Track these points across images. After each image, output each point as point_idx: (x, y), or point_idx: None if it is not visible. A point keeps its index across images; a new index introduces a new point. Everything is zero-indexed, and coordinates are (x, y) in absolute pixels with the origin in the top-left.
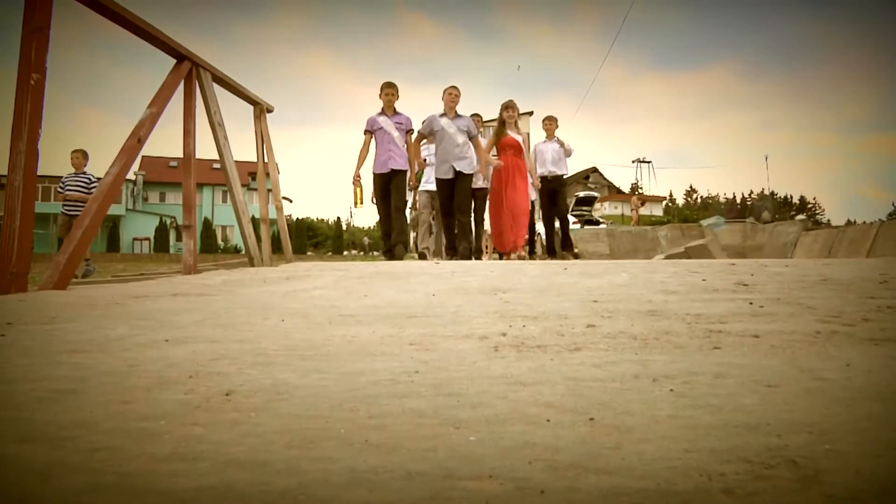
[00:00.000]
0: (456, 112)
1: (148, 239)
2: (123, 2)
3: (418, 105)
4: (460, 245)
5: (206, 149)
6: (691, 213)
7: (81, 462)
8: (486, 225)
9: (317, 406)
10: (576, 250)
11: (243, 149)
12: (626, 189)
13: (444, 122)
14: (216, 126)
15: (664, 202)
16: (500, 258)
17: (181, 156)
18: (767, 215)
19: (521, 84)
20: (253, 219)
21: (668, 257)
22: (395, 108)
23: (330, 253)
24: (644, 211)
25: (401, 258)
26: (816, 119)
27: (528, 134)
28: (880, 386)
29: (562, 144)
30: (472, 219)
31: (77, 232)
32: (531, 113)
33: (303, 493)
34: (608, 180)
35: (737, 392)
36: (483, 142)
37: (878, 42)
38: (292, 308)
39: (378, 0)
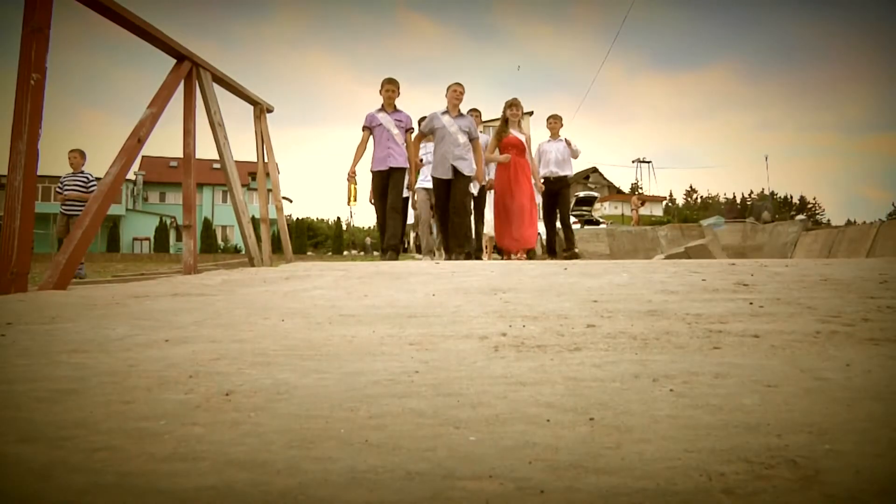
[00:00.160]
0: (459, 111)
1: (148, 239)
2: (123, 2)
3: (418, 105)
4: (455, 247)
5: (206, 149)
6: (691, 213)
7: (81, 462)
8: (487, 225)
9: (317, 406)
10: (576, 250)
11: (243, 149)
12: (626, 189)
13: (446, 120)
14: (216, 126)
15: (664, 202)
16: (501, 258)
17: (181, 156)
18: (767, 215)
19: (521, 84)
20: (253, 219)
21: (668, 257)
22: (395, 105)
23: (330, 253)
24: (644, 211)
25: (394, 259)
26: (816, 119)
27: (530, 136)
28: (880, 386)
29: (568, 144)
30: (472, 219)
31: (77, 232)
32: (531, 113)
33: (303, 493)
34: (608, 180)
35: (737, 392)
36: (484, 141)
37: (878, 42)
38: (292, 308)
39: (378, 0)
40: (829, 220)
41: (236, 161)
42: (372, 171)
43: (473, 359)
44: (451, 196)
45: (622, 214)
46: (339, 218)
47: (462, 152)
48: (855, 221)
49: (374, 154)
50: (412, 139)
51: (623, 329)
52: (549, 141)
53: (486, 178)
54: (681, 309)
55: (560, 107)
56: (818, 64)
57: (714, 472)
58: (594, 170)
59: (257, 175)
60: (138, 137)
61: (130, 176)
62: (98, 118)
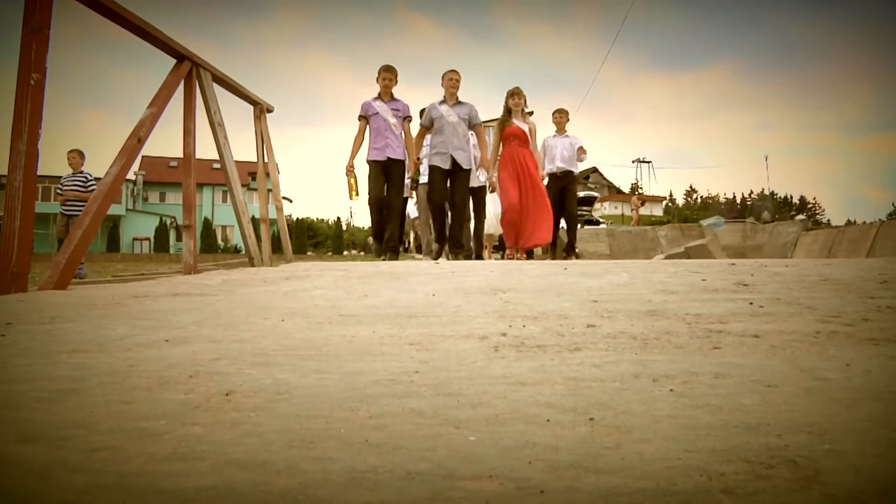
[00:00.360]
0: (457, 98)
1: (148, 239)
2: (123, 2)
3: (418, 106)
4: (454, 241)
5: (206, 149)
6: (691, 213)
7: (81, 462)
8: (487, 224)
9: (317, 406)
10: (577, 250)
11: (243, 149)
12: (626, 189)
13: (444, 109)
14: (216, 126)
15: (664, 202)
16: (502, 257)
17: (181, 156)
18: (767, 215)
19: (520, 84)
20: (253, 219)
21: (668, 257)
22: (392, 94)
23: (330, 253)
24: (644, 211)
25: (394, 259)
26: (816, 119)
27: (535, 128)
28: (880, 386)
29: (582, 152)
30: (472, 217)
31: (77, 232)
32: (531, 113)
33: (303, 493)
34: (608, 180)
35: (737, 392)
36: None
37: (878, 42)
38: (292, 308)
39: (378, 0)
40: (829, 220)
41: (236, 161)
42: (369, 161)
43: (473, 359)
44: (452, 190)
45: (622, 214)
46: (339, 218)
47: (461, 143)
48: (855, 221)
49: (371, 144)
50: (410, 128)
51: (623, 329)
52: (555, 136)
53: (487, 177)
54: (681, 309)
55: (560, 106)
56: (818, 64)
57: (714, 472)
58: (594, 170)
59: (257, 175)
60: (138, 137)
61: (130, 176)
62: (98, 118)
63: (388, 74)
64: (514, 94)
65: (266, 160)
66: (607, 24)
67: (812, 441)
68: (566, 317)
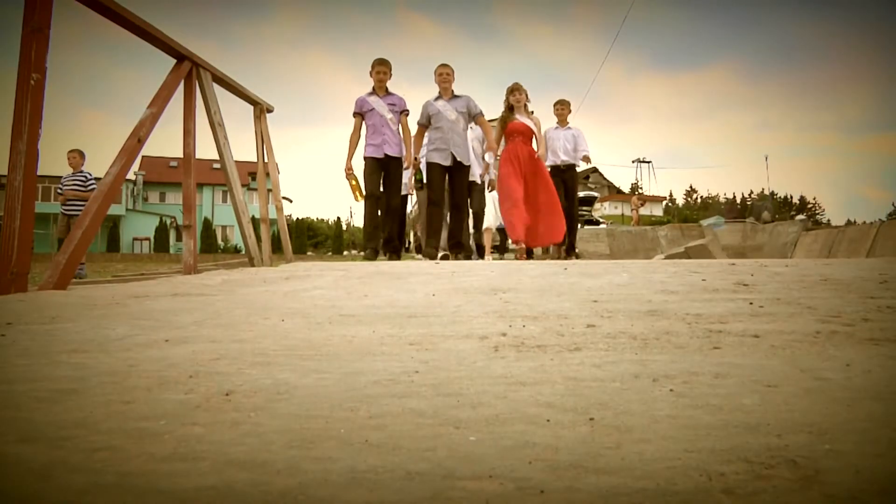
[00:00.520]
0: (452, 92)
1: (148, 239)
2: (123, 2)
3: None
4: (454, 241)
5: (206, 149)
6: (691, 213)
7: (81, 462)
8: (488, 221)
9: (317, 406)
10: (577, 251)
11: (243, 149)
12: (626, 189)
13: (441, 105)
14: (216, 126)
15: (664, 202)
16: (501, 257)
17: (181, 156)
18: (767, 215)
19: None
20: (253, 219)
21: (668, 257)
22: (387, 88)
23: (330, 253)
24: (644, 211)
25: (396, 257)
26: (816, 119)
27: (540, 123)
28: (880, 386)
29: (586, 160)
30: (471, 214)
31: (77, 232)
32: (531, 112)
33: (303, 493)
34: (608, 180)
35: (737, 392)
36: (474, 133)
37: (878, 42)
38: (292, 308)
39: (378, 0)
40: (829, 220)
41: (236, 161)
42: (366, 157)
43: (473, 359)
44: (452, 188)
45: (622, 214)
46: (339, 218)
47: (461, 139)
48: (855, 221)
49: (368, 141)
50: (407, 122)
51: (623, 329)
52: (556, 128)
53: (489, 176)
54: (681, 309)
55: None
56: (818, 64)
57: (714, 472)
58: (594, 170)
59: (257, 175)
60: (138, 137)
61: (130, 176)
62: (98, 118)
63: (381, 68)
64: (515, 90)
65: (266, 160)
66: (607, 24)
67: (812, 441)
68: (566, 317)
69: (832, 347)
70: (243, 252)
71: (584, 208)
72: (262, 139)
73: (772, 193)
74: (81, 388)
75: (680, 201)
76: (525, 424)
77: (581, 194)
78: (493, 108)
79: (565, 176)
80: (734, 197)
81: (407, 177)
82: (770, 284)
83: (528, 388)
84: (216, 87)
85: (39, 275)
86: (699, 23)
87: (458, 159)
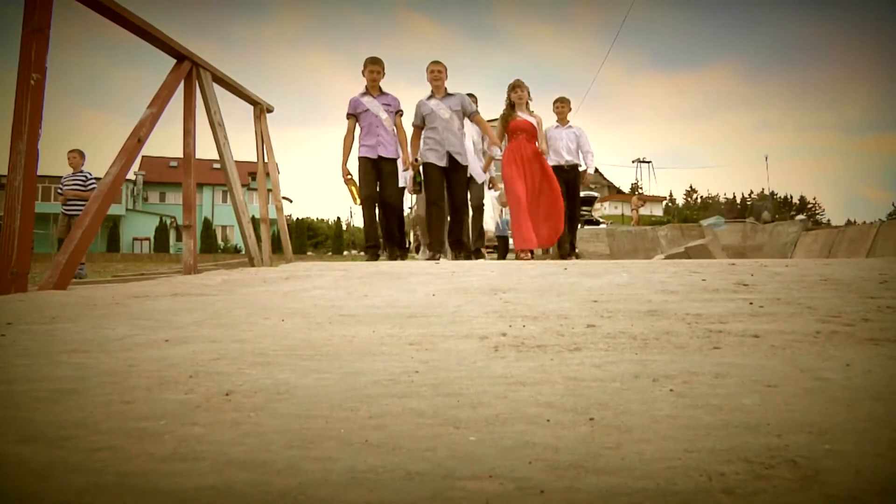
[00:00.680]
0: (445, 90)
1: (148, 239)
2: (123, 2)
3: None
4: (455, 243)
5: (206, 149)
6: (691, 213)
7: (81, 462)
8: (487, 222)
9: (317, 406)
10: (577, 251)
11: (243, 149)
12: (626, 189)
13: (434, 104)
14: (216, 126)
15: (664, 202)
16: (500, 258)
17: (181, 156)
18: (767, 215)
19: None
20: (253, 219)
21: (668, 257)
22: (380, 88)
23: (330, 253)
24: (644, 211)
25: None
26: (816, 119)
27: (541, 120)
28: (880, 386)
29: (590, 169)
30: (470, 214)
31: (77, 232)
32: (531, 111)
33: (303, 493)
34: (608, 180)
35: (737, 392)
36: (474, 130)
37: (878, 42)
38: (292, 308)
39: (378, 0)
40: (829, 220)
41: (236, 161)
42: (360, 157)
43: (473, 359)
44: (450, 188)
45: (622, 214)
46: (339, 218)
47: (457, 138)
48: (855, 221)
49: (362, 142)
50: (402, 122)
51: (623, 329)
52: (556, 127)
53: (490, 174)
54: (681, 309)
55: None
56: (818, 64)
57: (714, 472)
58: (595, 170)
59: (257, 175)
60: (138, 137)
61: (130, 176)
62: (98, 118)
63: (374, 67)
64: (516, 86)
65: (266, 160)
66: (607, 24)
67: (812, 441)
68: (566, 317)
69: (832, 347)
70: (243, 252)
71: (585, 208)
72: (262, 139)
73: (772, 193)
74: (81, 388)
75: (680, 201)
76: (525, 424)
77: (581, 194)
78: (493, 109)
79: (568, 176)
80: (734, 197)
81: (405, 179)
82: (770, 284)
83: (528, 388)
84: (216, 87)
85: (39, 275)
86: (699, 23)
87: (455, 159)
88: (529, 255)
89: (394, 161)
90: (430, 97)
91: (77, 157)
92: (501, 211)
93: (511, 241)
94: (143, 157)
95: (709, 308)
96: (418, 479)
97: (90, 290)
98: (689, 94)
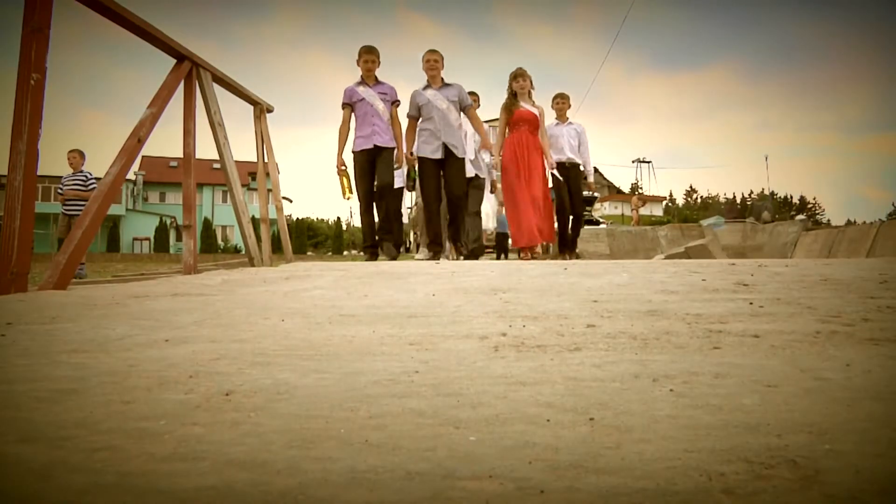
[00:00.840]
0: (442, 80)
1: (148, 239)
2: (123, 2)
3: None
4: (457, 240)
5: (206, 149)
6: (691, 213)
7: (81, 462)
8: (486, 219)
9: (317, 406)
10: (577, 250)
11: (243, 149)
12: (626, 189)
13: (430, 94)
14: (216, 126)
15: (664, 202)
16: (498, 258)
17: (181, 156)
18: (767, 215)
19: None
20: (253, 219)
21: (668, 257)
22: (376, 77)
23: (330, 253)
24: (644, 211)
25: (392, 258)
26: (816, 119)
27: (544, 110)
28: (880, 386)
29: (588, 170)
30: (468, 211)
31: (77, 232)
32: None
33: (303, 493)
34: (608, 180)
35: (737, 392)
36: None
37: (878, 42)
38: (292, 308)
39: (378, 0)
40: (829, 220)
41: (236, 161)
42: (354, 152)
43: (473, 359)
44: (446, 180)
45: (622, 214)
46: (339, 218)
47: (454, 129)
48: (855, 221)
49: (357, 133)
50: (398, 113)
51: (623, 329)
52: (556, 124)
53: (492, 177)
54: (681, 309)
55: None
56: (818, 64)
57: (714, 472)
58: (594, 170)
59: (257, 175)
60: (138, 137)
61: (130, 176)
62: (98, 118)
63: (369, 56)
64: (518, 76)
65: (266, 160)
66: (607, 24)
67: (812, 441)
68: (566, 317)
69: (832, 347)
70: (243, 252)
71: (585, 208)
72: (262, 139)
73: (772, 193)
74: (81, 388)
75: (680, 201)
76: (525, 424)
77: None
78: (493, 109)
79: (570, 174)
80: (734, 197)
81: (401, 177)
82: (770, 284)
83: (528, 388)
84: (216, 87)
85: (39, 275)
86: (699, 23)
87: (452, 150)
88: (530, 254)
89: (391, 150)
90: (426, 87)
91: (77, 157)
92: (500, 209)
93: (510, 240)
94: (143, 157)
95: (709, 308)
96: (418, 479)
97: (90, 290)
98: (689, 94)
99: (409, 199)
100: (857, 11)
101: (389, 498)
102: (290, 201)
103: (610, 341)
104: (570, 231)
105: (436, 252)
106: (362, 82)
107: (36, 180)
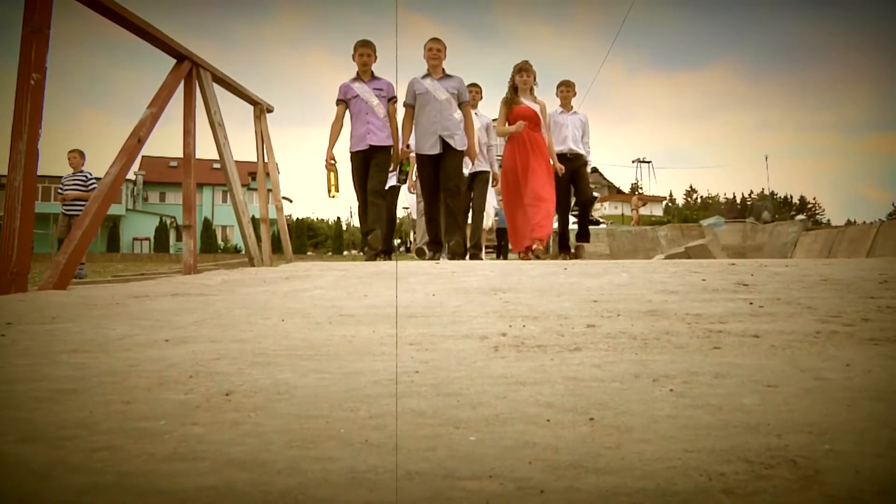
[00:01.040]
0: (444, 71)
1: (148, 239)
2: (123, 2)
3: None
4: (451, 239)
5: (206, 149)
6: (691, 213)
7: (81, 462)
8: (487, 218)
9: (317, 406)
10: (583, 243)
11: (243, 149)
12: (626, 189)
13: (429, 83)
14: (216, 126)
15: (664, 202)
16: (498, 258)
17: (181, 156)
18: (767, 215)
19: None
20: (253, 219)
21: (668, 257)
22: (372, 73)
23: (330, 253)
24: (644, 211)
25: (376, 249)
26: (816, 119)
27: (545, 106)
28: (880, 386)
29: (589, 161)
30: (465, 208)
31: (77, 232)
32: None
33: (303, 493)
34: (608, 180)
35: (737, 392)
36: (479, 122)
37: (878, 42)
38: (292, 308)
39: (378, 0)
40: (829, 220)
41: (236, 161)
42: (351, 152)
43: (473, 359)
44: (441, 176)
45: (622, 214)
46: (339, 218)
47: (452, 122)
48: (855, 221)
49: (352, 131)
50: (395, 109)
51: (623, 329)
52: (561, 112)
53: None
54: (681, 309)
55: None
56: (818, 64)
57: (714, 472)
58: (594, 170)
59: (257, 175)
60: (138, 137)
61: (130, 176)
62: (98, 118)
63: (365, 50)
64: (522, 69)
65: (266, 160)
66: (607, 24)
67: (812, 441)
68: (566, 317)
69: (832, 347)
70: (243, 252)
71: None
72: (262, 139)
73: (772, 193)
74: (81, 388)
75: (680, 201)
76: (525, 424)
77: None
78: (492, 109)
79: (573, 166)
80: (734, 197)
81: (396, 179)
82: (770, 284)
83: (528, 388)
84: (216, 87)
85: (39, 275)
86: (699, 23)
87: (449, 143)
88: (530, 253)
89: (386, 149)
90: (425, 76)
91: (77, 157)
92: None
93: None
94: (143, 157)
95: (709, 308)
96: (418, 479)
97: (90, 290)
98: (689, 94)
99: (406, 199)
100: (857, 11)
101: (389, 498)
102: (290, 201)
103: (610, 341)
104: (578, 221)
105: (436, 252)
106: (357, 78)
107: (36, 180)
